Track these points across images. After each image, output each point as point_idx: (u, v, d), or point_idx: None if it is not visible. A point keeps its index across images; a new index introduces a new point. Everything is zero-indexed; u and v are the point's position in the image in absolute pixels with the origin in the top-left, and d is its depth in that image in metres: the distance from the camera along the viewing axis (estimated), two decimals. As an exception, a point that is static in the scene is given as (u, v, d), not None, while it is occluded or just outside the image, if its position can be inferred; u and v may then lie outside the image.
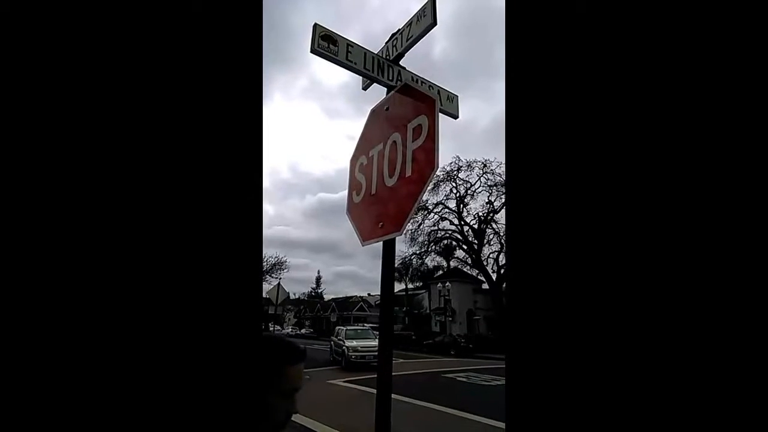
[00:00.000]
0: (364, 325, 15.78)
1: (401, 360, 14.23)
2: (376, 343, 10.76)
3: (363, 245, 1.60)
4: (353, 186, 1.81)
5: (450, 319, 24.44)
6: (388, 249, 1.47)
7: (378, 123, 1.71)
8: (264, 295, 17.05)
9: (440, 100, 1.82)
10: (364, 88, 1.90)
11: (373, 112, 1.77)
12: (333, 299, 44.26)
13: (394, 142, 1.50)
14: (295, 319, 41.99)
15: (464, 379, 9.98)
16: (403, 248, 24.53)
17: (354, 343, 12.39)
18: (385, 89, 1.74)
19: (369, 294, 40.31)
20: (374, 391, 1.38)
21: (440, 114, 1.46)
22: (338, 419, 5.67)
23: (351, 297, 41.55)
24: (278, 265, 20.43)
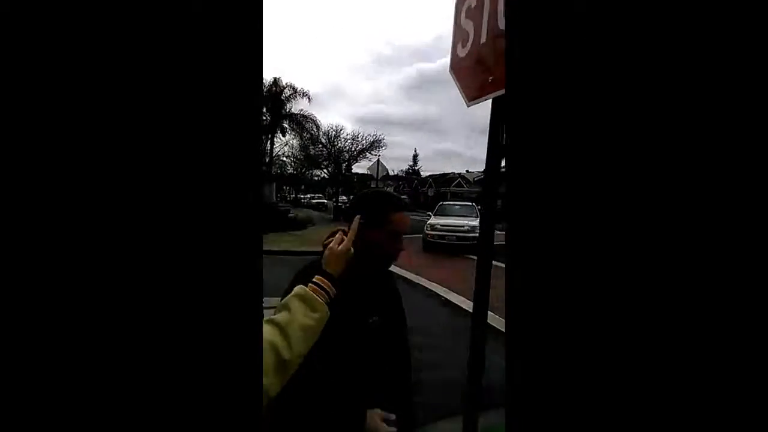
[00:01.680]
0: (467, 203, 12.52)
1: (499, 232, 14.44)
2: (471, 223, 9.48)
3: (468, 106, 1.43)
4: (458, 37, 1.54)
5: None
6: (498, 108, 1.28)
7: (493, -58, 1.32)
8: (366, 171, 18.04)
9: None
10: None
11: (488, -74, 1.36)
12: (430, 175, 45.10)
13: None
14: (395, 193, 44.84)
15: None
16: (507, 121, 22.48)
17: (436, 220, 10.18)
18: None
19: (467, 171, 39.88)
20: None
21: None
22: (431, 274, 6.33)
23: (448, 174, 41.71)
24: (376, 143, 20.93)
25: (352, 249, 0.90)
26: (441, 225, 9.78)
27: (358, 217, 0.94)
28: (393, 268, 1.14)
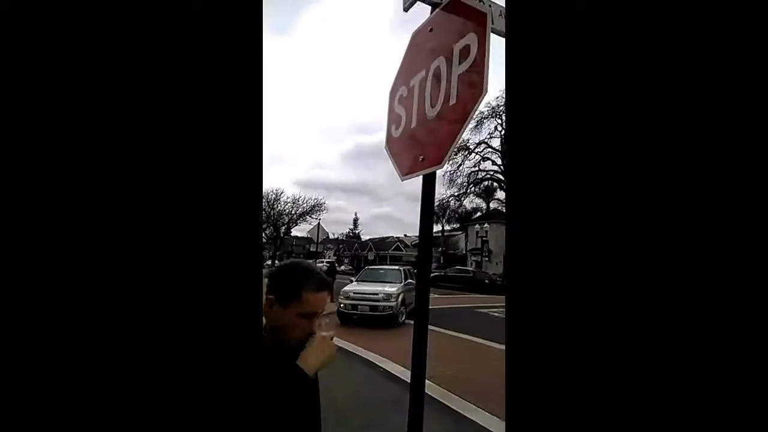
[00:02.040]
0: (394, 267, 10.80)
1: (435, 295, 14.77)
2: (388, 290, 8.19)
3: (402, 180, 1.57)
4: (392, 119, 1.73)
5: (486, 258, 24.65)
6: (429, 184, 1.43)
7: (420, 48, 1.58)
8: (306, 234, 17.87)
9: (491, 16, 1.62)
10: (406, 9, 1.73)
11: (415, 35, 1.62)
12: (370, 239, 45.76)
13: (438, 67, 1.38)
14: (335, 257, 44.33)
15: (498, 314, 10.27)
16: (441, 190, 24.40)
17: (351, 287, 8.53)
18: (429, 8, 1.57)
19: (405, 235, 41.20)
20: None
21: (491, 34, 1.31)
22: (370, 345, 6.12)
23: (387, 237, 42.67)
24: (317, 207, 21.14)
25: (263, 320, 0.80)
26: (354, 293, 8.19)
27: (265, 281, 0.83)
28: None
